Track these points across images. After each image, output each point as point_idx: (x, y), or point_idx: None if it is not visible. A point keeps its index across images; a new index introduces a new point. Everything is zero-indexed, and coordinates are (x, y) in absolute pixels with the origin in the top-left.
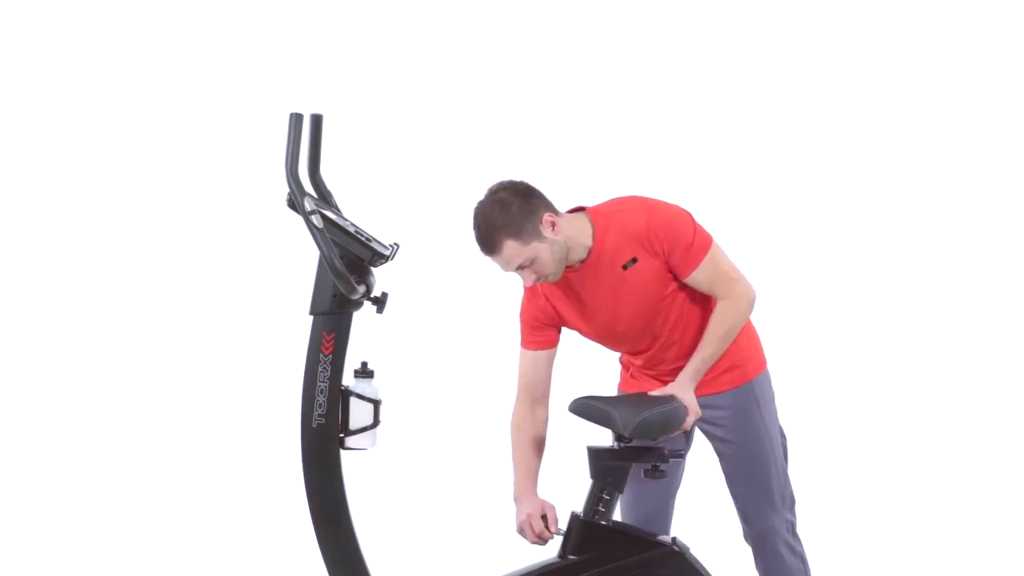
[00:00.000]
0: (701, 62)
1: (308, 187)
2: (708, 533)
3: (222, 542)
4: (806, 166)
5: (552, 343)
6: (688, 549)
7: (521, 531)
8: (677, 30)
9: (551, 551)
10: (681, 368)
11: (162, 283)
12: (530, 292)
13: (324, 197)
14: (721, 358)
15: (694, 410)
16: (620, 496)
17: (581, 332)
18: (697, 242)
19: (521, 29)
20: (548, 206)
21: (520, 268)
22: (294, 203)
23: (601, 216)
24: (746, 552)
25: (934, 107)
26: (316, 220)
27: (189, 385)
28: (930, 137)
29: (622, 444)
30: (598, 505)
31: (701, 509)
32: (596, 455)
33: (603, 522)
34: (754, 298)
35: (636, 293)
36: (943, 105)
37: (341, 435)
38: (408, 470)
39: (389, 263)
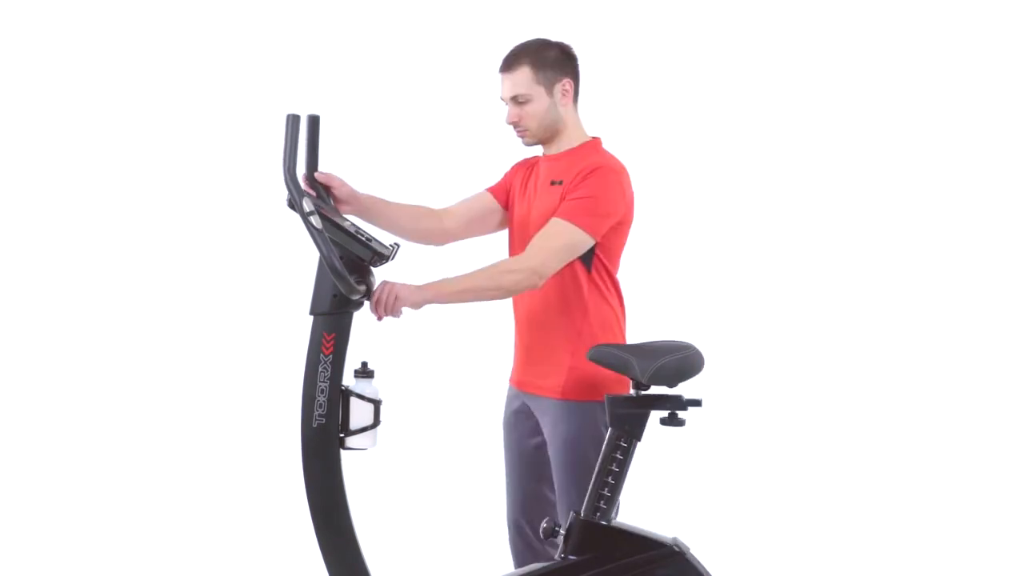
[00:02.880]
0: (705, 62)
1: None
2: (708, 533)
3: (222, 542)
4: (804, 167)
5: (497, 198)
6: (688, 549)
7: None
8: (677, 28)
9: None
10: (534, 312)
11: (163, 283)
12: (521, 166)
13: (323, 197)
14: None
15: (404, 297)
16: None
17: (510, 221)
18: (582, 206)
19: (521, 29)
20: (575, 79)
21: (514, 100)
22: (293, 204)
23: (592, 142)
24: (746, 552)
25: (933, 108)
26: (315, 220)
27: (190, 385)
28: (928, 137)
29: (640, 392)
30: (615, 453)
31: (701, 509)
32: (614, 403)
33: (603, 522)
34: (538, 279)
35: (539, 208)
36: (943, 105)
37: (341, 435)
38: (408, 470)
39: (389, 263)
